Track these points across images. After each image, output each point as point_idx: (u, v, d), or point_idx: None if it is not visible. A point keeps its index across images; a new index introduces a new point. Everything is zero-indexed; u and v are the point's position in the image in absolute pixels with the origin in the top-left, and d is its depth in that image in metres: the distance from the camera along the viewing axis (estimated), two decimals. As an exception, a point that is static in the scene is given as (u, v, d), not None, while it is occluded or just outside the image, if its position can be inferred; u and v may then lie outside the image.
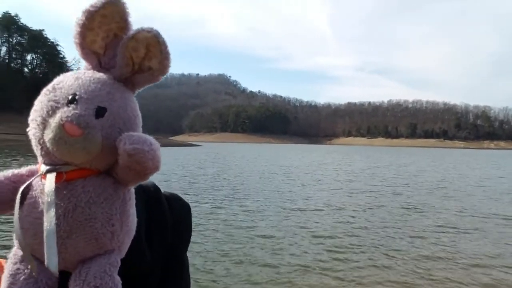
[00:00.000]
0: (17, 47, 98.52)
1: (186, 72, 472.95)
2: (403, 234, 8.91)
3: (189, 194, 13.43)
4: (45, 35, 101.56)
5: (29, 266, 0.70)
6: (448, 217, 11.09)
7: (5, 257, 0.78)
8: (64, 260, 0.69)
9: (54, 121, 0.66)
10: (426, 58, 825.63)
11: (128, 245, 0.77)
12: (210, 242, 7.77)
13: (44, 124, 0.69)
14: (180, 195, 1.06)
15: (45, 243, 0.65)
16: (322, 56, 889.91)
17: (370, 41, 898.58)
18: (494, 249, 7.89)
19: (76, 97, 0.69)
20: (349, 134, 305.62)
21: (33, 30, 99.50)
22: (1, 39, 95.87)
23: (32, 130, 0.72)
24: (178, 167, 26.67)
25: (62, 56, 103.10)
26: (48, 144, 0.67)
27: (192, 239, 1.05)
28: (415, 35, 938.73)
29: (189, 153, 55.19)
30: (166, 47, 0.75)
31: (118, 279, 0.71)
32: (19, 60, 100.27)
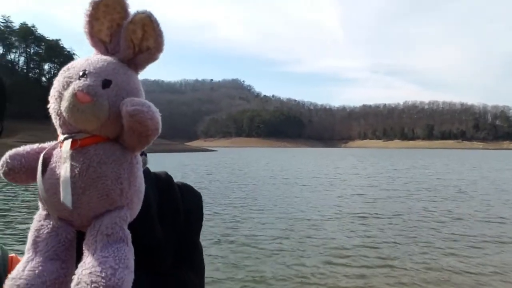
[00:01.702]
0: (35, 57, 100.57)
1: (200, 78, 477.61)
2: (428, 247, 8.25)
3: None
4: (61, 45, 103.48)
5: (51, 223, 0.81)
6: (478, 226, 10.40)
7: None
8: (80, 216, 0.79)
9: (67, 92, 0.78)
10: (442, 58, 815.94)
11: (138, 206, 0.86)
12: (213, 254, 7.33)
13: (60, 97, 0.80)
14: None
15: (61, 186, 0.76)
16: (335, 58, 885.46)
17: (383, 42, 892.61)
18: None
19: (86, 72, 0.80)
20: (364, 137, 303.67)
21: (49, 40, 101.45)
22: (19, 50, 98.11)
23: (52, 105, 0.83)
24: (190, 172, 26.72)
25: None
26: (64, 113, 0.78)
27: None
28: (429, 35, 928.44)
29: (204, 158, 55.34)
30: (158, 25, 0.84)
31: (127, 231, 0.80)
32: (37, 70, 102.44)
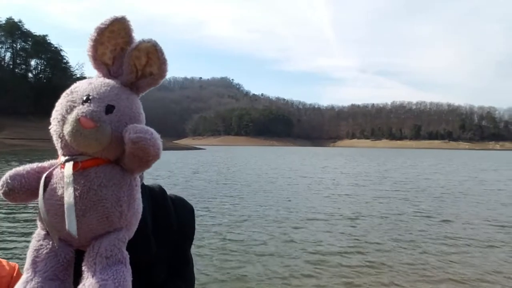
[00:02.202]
0: (21, 53, 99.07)
1: (189, 76, 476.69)
2: (416, 250, 8.07)
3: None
4: (48, 41, 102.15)
5: (50, 243, 0.81)
6: (467, 228, 10.20)
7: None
8: (80, 237, 0.80)
9: (71, 117, 0.79)
10: (430, 59, 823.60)
11: (135, 226, 0.87)
12: (196, 257, 7.12)
13: (63, 120, 0.81)
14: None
15: (65, 213, 0.76)
16: (325, 57, 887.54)
17: (373, 42, 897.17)
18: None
19: (90, 97, 0.82)
20: (352, 136, 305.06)
21: (36, 35, 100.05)
22: (5, 45, 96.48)
23: (54, 127, 0.84)
24: (176, 171, 26.40)
25: (65, 61, 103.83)
26: (66, 137, 0.80)
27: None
28: (419, 36, 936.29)
29: (192, 156, 55.03)
30: (163, 54, 0.86)
31: (126, 253, 0.82)
32: (24, 66, 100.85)
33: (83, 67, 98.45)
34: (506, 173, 30.19)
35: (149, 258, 0.96)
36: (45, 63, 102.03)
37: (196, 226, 1.09)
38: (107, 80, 0.87)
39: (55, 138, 0.84)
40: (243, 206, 13.02)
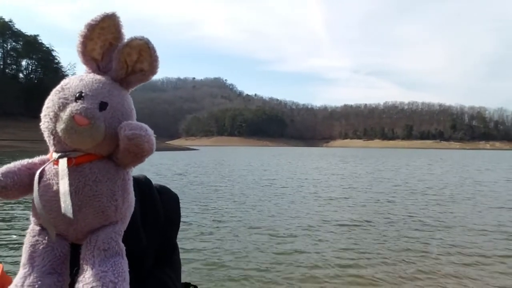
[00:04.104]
0: (12, 53, 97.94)
1: (182, 76, 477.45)
2: (416, 263, 7.60)
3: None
4: (40, 41, 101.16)
5: (46, 238, 0.83)
6: (469, 234, 9.49)
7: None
8: (76, 231, 0.83)
9: (65, 114, 0.80)
10: (422, 60, 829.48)
11: (129, 219, 0.90)
12: None
13: (56, 117, 0.82)
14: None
15: (61, 198, 0.78)
16: (317, 58, 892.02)
17: (365, 43, 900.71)
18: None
19: (83, 94, 0.82)
20: (345, 136, 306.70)
21: (27, 35, 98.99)
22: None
23: (45, 124, 0.85)
24: (165, 172, 26.02)
25: (57, 61, 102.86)
26: (60, 134, 0.81)
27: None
28: (411, 36, 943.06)
29: (184, 157, 54.73)
30: (155, 51, 0.88)
31: (122, 245, 0.84)
32: (14, 66, 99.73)
33: (75, 67, 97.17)
34: (503, 174, 29.88)
35: (140, 249, 0.98)
36: (36, 63, 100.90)
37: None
38: (98, 77, 0.88)
39: (46, 135, 0.85)
40: (225, 211, 12.21)
